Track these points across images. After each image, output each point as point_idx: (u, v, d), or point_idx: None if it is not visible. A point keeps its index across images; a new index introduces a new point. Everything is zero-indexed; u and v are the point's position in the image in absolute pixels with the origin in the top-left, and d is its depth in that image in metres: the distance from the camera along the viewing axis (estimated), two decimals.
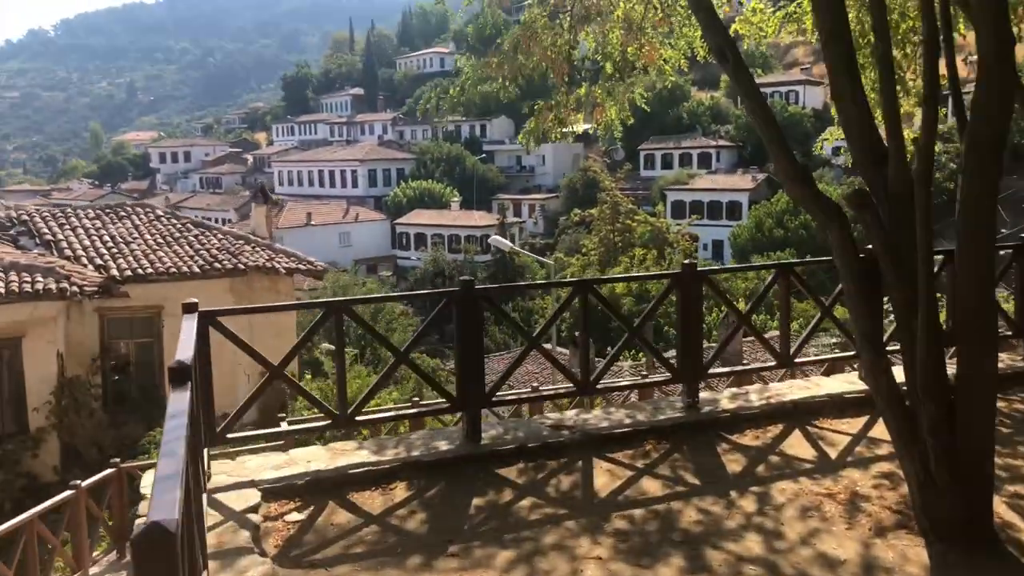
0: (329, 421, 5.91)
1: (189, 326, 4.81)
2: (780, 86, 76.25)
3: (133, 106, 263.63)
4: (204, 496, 4.71)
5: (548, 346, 36.46)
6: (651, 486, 5.28)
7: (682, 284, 6.78)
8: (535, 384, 13.98)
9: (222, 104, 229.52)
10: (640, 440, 5.98)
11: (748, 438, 6.08)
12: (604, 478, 5.41)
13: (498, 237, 17.63)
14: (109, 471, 8.90)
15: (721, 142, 74.52)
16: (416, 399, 13.43)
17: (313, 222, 68.63)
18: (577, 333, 25.36)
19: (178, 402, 3.47)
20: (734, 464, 5.65)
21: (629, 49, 7.81)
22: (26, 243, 15.10)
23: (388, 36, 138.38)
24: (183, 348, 4.36)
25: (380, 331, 44.65)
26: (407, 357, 6.09)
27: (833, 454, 5.81)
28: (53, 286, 12.47)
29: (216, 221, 78.95)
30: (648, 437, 6.01)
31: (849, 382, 7.25)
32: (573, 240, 62.62)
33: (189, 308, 5.12)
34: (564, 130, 7.84)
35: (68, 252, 14.68)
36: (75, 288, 12.60)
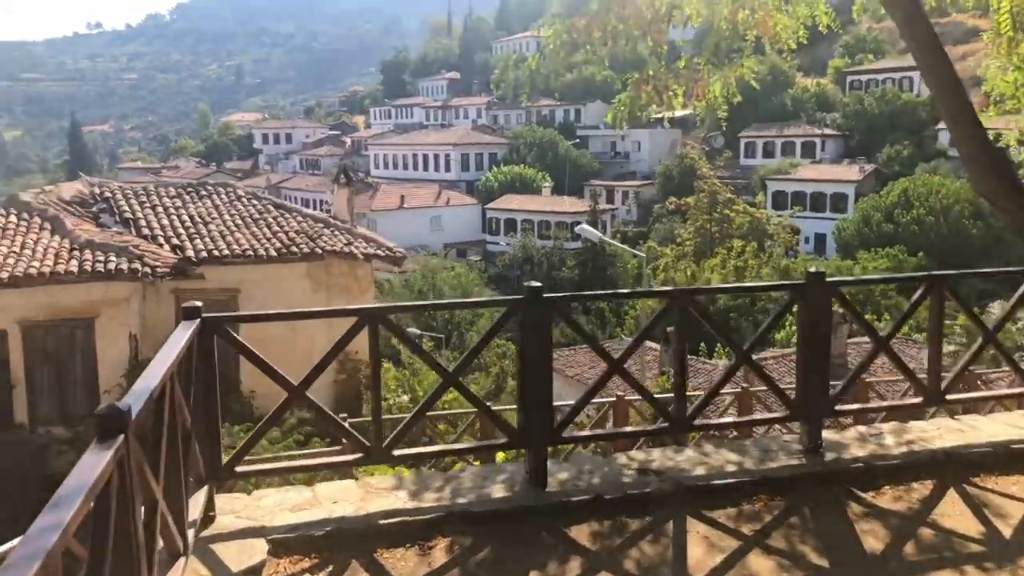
0: (360, 455, 4.93)
1: (178, 338, 4.01)
2: (893, 72, 72.14)
3: (241, 88, 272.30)
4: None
5: (622, 338, 35.24)
6: (762, 566, 4.13)
7: (807, 297, 5.44)
8: (618, 394, 12.79)
9: (325, 87, 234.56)
10: (747, 495, 4.80)
11: (887, 498, 4.82)
12: (700, 549, 4.27)
13: (586, 226, 16.61)
14: None
15: (827, 131, 71.12)
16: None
17: (406, 205, 68.86)
18: (669, 332, 24.10)
19: (79, 477, 2.33)
20: (871, 537, 4.42)
21: (740, 15, 6.67)
22: (106, 220, 14.97)
23: (486, 20, 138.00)
24: (149, 376, 3.44)
25: (464, 317, 43.76)
26: (457, 379, 5.12)
27: (1006, 530, 4.50)
28: (125, 266, 12.16)
29: (313, 202, 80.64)
30: (758, 492, 4.83)
31: (1016, 426, 5.79)
32: (667, 229, 60.85)
33: (190, 313, 4.33)
34: (659, 108, 6.70)
35: (146, 231, 14.45)
36: (147, 269, 12.27)
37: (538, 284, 4.69)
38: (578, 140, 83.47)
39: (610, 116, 7.08)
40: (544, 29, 6.47)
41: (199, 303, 4.14)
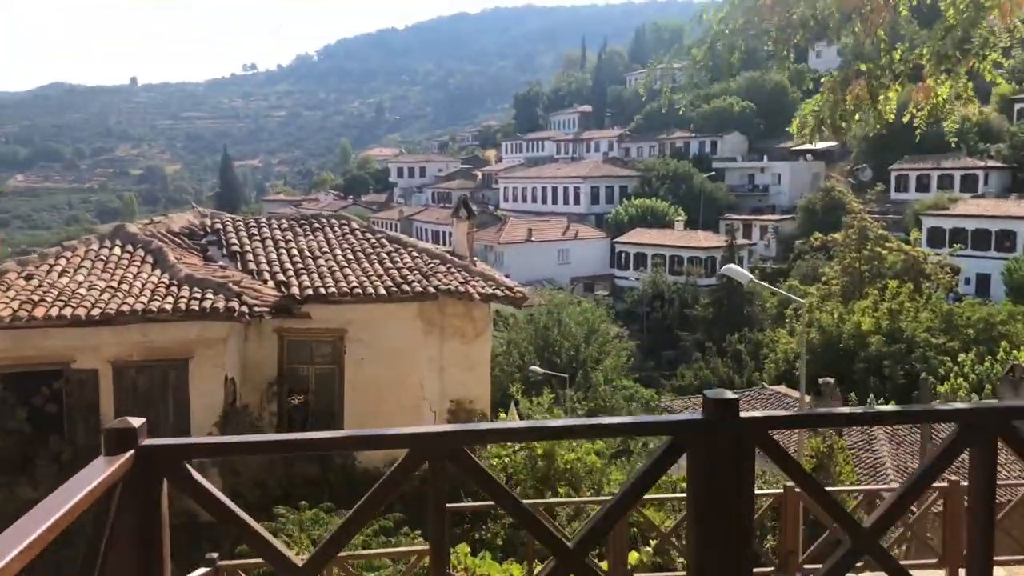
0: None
1: (73, 490, 2.33)
2: None
3: (380, 124, 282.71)
4: None
5: (764, 386, 32.23)
6: None
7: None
8: None
9: (459, 123, 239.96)
10: None
11: None
12: None
13: (734, 266, 14.60)
14: (203, 571, 7.00)
15: (990, 163, 65.28)
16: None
17: (533, 238, 67.93)
18: (823, 384, 21.42)
19: None
20: None
21: None
22: (214, 253, 14.23)
23: (620, 53, 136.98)
24: None
25: (590, 355, 41.65)
26: (581, 560, 2.65)
27: None
28: (221, 304, 11.18)
29: (442, 235, 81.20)
30: None
31: None
32: (810, 267, 57.07)
33: (118, 441, 2.57)
34: (865, 117, 4.77)
35: (252, 265, 13.57)
36: (244, 308, 11.25)
37: (730, 396, 2.57)
38: (713, 172, 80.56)
39: (795, 126, 5.26)
40: (714, 12, 4.68)
41: (136, 422, 2.40)
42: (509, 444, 14.19)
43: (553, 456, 13.60)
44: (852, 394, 30.30)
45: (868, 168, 74.82)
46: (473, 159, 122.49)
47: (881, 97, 4.60)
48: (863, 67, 4.48)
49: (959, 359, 32.21)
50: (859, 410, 3.42)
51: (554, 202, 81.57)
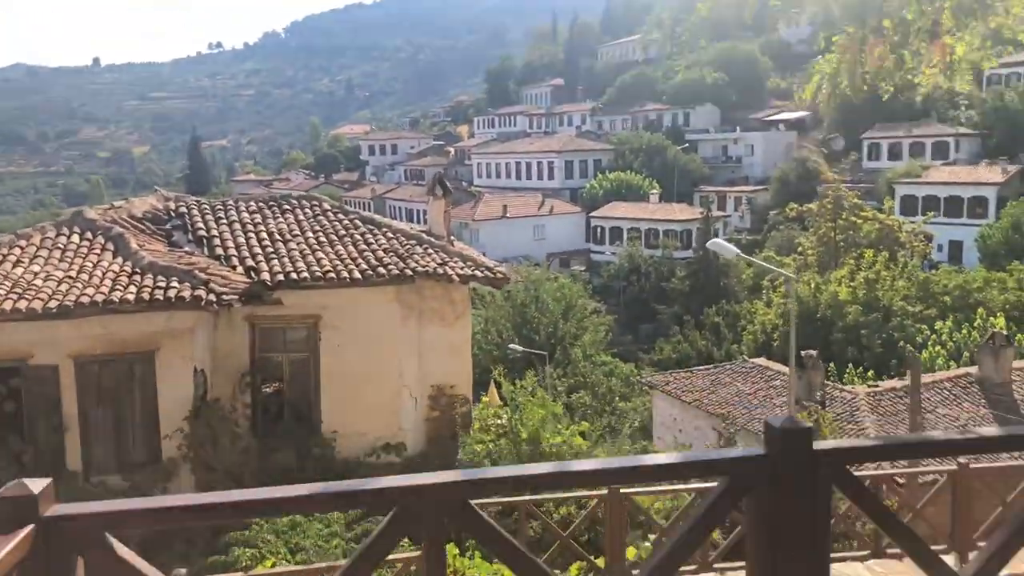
0: None
1: None
2: None
3: (351, 101, 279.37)
4: None
5: (744, 359, 32.06)
6: None
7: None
8: None
9: (430, 99, 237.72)
10: None
11: None
12: None
13: (720, 241, 14.23)
14: None
15: (961, 130, 65.50)
16: None
17: (508, 214, 67.36)
18: (806, 355, 21.26)
19: None
20: None
21: None
22: (179, 238, 13.58)
23: (591, 25, 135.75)
24: None
25: (569, 331, 41.35)
26: None
27: None
28: (187, 293, 10.61)
29: (417, 212, 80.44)
30: None
31: None
32: (785, 237, 57.10)
33: (12, 511, 1.93)
34: (893, 79, 4.30)
35: (220, 250, 12.97)
36: (212, 296, 10.68)
37: (805, 424, 2.08)
38: (687, 144, 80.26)
39: (809, 90, 4.79)
40: None
41: (37, 485, 1.85)
42: (492, 428, 13.83)
43: (538, 440, 13.22)
44: (831, 364, 30.26)
45: (840, 137, 74.86)
46: (445, 135, 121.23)
47: (906, 54, 4.15)
48: (887, 23, 4.03)
49: (936, 327, 32.27)
50: (957, 436, 2.73)
51: (528, 177, 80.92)
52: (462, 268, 13.27)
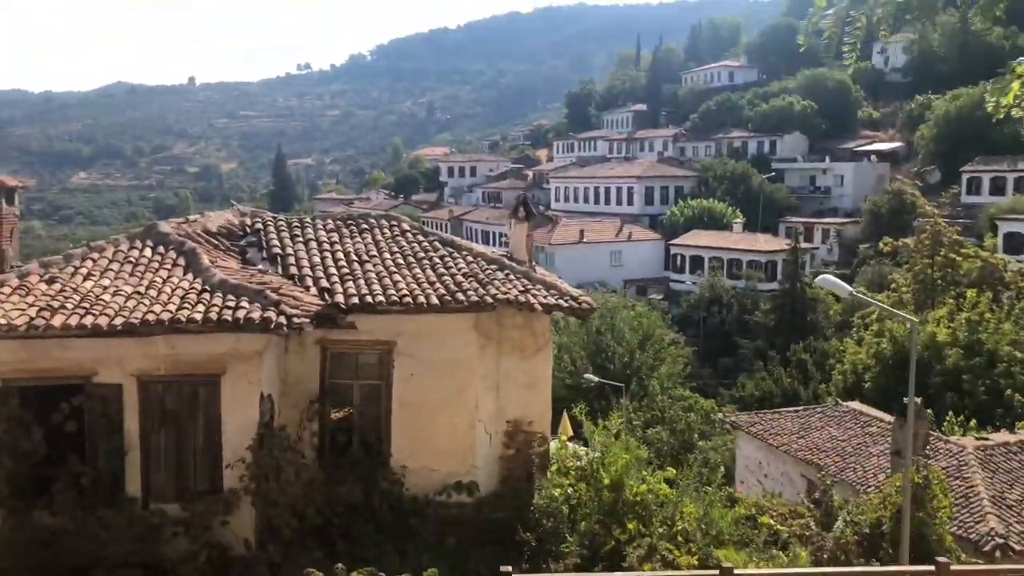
0: None
1: None
2: None
3: (432, 123, 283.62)
4: None
5: (836, 402, 30.15)
6: None
7: None
8: None
9: (510, 122, 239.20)
10: None
11: None
12: None
13: (830, 277, 13.03)
14: None
15: None
16: None
17: (586, 239, 66.37)
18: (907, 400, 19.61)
19: None
20: None
21: None
22: (253, 256, 13.10)
23: (675, 51, 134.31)
24: None
25: (645, 362, 40.01)
26: None
27: None
28: (256, 315, 10.00)
29: (493, 235, 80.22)
30: None
31: None
32: (876, 273, 54.54)
33: None
34: None
35: (294, 269, 12.41)
36: (282, 319, 10.06)
37: None
38: (773, 173, 77.99)
39: (1011, 96, 3.80)
40: None
41: None
42: (572, 471, 12.83)
43: (621, 486, 12.18)
44: (929, 411, 28.20)
45: (936, 170, 71.64)
46: (524, 159, 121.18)
47: None
48: None
49: None
50: None
51: (607, 202, 79.83)
52: (545, 297, 12.38)
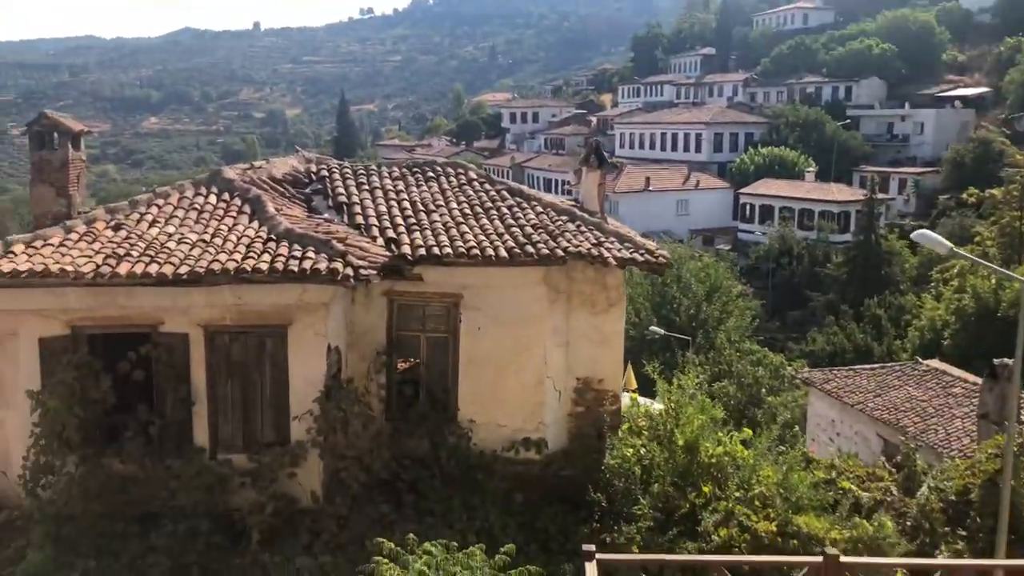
0: None
1: None
2: None
3: (494, 69, 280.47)
4: None
5: (917, 360, 28.86)
6: None
7: None
8: None
9: (573, 67, 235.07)
10: None
11: None
12: None
13: (928, 232, 12.12)
14: None
15: None
16: None
17: (651, 187, 64.93)
18: (998, 364, 18.62)
19: None
20: None
21: None
22: (319, 203, 12.79)
23: None
24: None
25: (712, 314, 39.14)
26: None
27: None
28: (323, 265, 9.70)
29: (555, 183, 79.16)
30: None
31: None
32: (957, 225, 52.06)
33: None
34: None
35: (359, 218, 12.07)
36: (349, 270, 9.74)
37: None
38: (848, 121, 74.87)
39: None
40: None
41: None
42: (644, 430, 12.40)
43: (696, 448, 11.71)
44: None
45: None
46: (588, 104, 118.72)
47: None
48: None
49: None
50: None
51: (673, 149, 77.83)
52: (619, 250, 11.81)
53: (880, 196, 60.62)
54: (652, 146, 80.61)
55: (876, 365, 26.16)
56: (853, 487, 13.52)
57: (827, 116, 73.74)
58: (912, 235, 12.94)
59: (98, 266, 9.47)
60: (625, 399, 13.75)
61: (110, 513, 9.75)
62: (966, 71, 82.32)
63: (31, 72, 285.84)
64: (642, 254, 11.84)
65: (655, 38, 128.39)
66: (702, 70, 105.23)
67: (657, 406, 16.13)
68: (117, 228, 10.45)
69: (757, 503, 11.50)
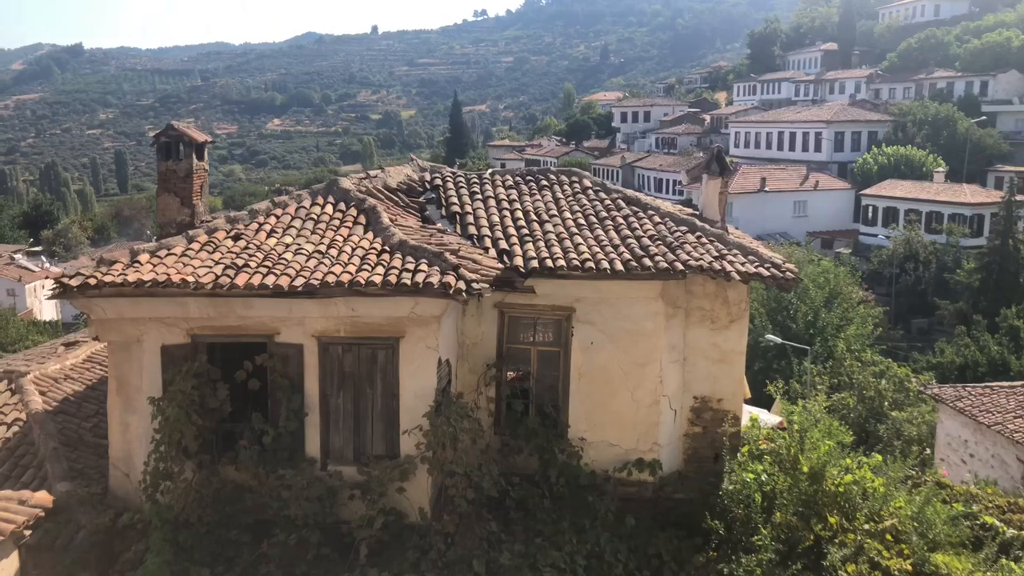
0: None
1: None
2: None
3: (605, 68, 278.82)
4: None
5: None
6: None
7: None
8: None
9: (686, 64, 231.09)
10: None
11: None
12: None
13: None
14: None
15: None
16: None
17: (767, 188, 62.80)
18: None
19: None
20: None
21: None
22: (432, 213, 12.70)
23: None
24: None
25: (831, 322, 37.32)
26: None
27: None
28: (435, 279, 9.53)
29: (666, 183, 77.64)
30: None
31: None
32: None
33: None
34: None
35: (472, 228, 11.87)
36: (461, 284, 9.54)
37: None
38: (983, 117, 70.28)
39: None
40: None
41: None
42: (767, 455, 11.71)
43: (822, 476, 10.96)
44: None
45: None
46: (701, 102, 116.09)
47: None
48: None
49: None
50: None
51: (791, 148, 75.07)
52: (743, 264, 11.18)
53: (1019, 198, 56.63)
54: (769, 145, 78.02)
55: (1017, 383, 24.22)
56: (996, 522, 12.42)
57: (959, 113, 69.53)
58: None
59: (217, 277, 9.61)
60: (744, 419, 13.08)
61: (224, 521, 9.88)
62: None
63: (167, 78, 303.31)
64: (768, 268, 11.18)
65: (772, 34, 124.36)
66: (823, 66, 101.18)
67: (773, 419, 15.32)
68: (236, 238, 10.61)
69: (889, 537, 10.68)
